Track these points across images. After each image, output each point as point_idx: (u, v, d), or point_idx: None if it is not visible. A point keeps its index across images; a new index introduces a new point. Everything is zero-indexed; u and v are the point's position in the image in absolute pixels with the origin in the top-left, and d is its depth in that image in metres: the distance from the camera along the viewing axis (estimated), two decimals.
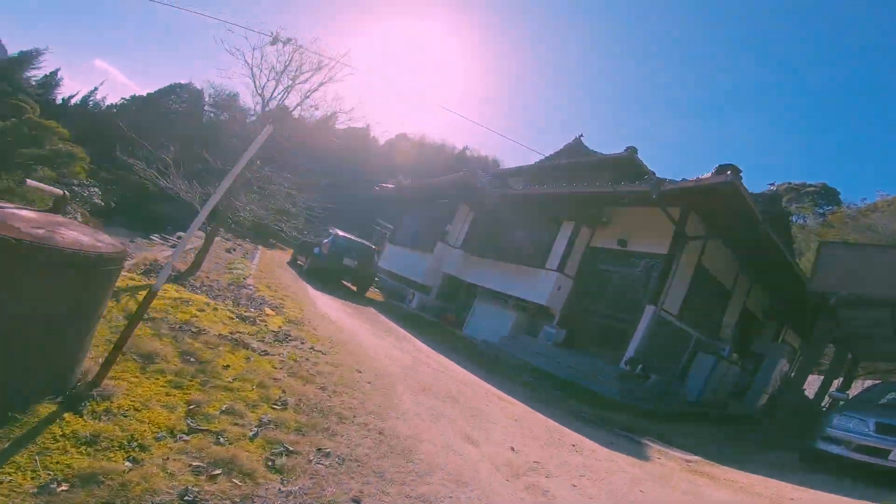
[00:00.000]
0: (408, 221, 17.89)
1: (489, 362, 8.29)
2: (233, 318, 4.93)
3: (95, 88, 46.62)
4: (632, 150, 12.67)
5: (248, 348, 4.04)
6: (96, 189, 15.35)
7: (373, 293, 14.77)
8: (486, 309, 11.53)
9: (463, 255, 13.73)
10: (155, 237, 14.26)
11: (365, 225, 24.60)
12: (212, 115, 51.09)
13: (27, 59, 31.85)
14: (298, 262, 13.88)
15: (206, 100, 51.92)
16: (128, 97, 49.33)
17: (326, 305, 8.38)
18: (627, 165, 12.38)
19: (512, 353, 9.24)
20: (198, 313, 4.62)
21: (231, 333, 4.30)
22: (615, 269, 10.27)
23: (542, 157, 16.38)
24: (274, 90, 7.42)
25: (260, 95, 7.40)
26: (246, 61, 7.19)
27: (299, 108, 7.65)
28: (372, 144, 55.66)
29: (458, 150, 26.22)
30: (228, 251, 12.30)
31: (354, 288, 13.00)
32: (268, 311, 5.86)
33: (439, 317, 12.68)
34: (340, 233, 13.19)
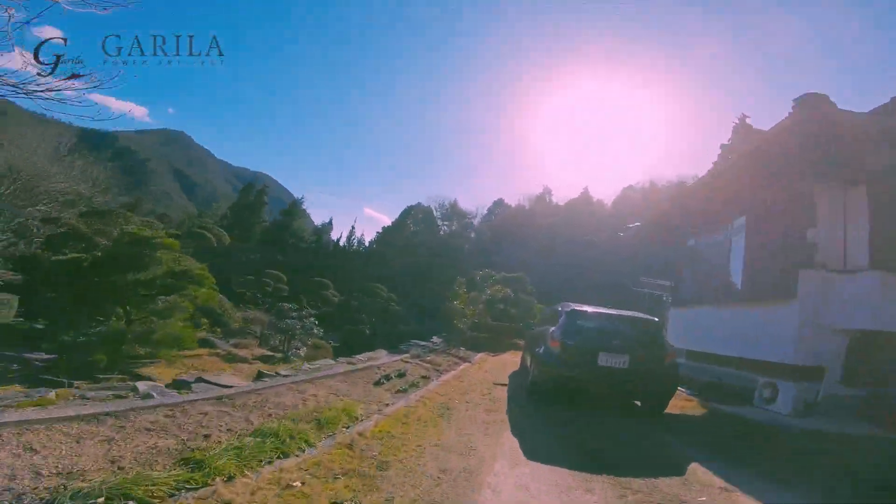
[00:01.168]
0: (698, 262, 10.58)
1: None
2: None
3: (353, 228, 58.62)
4: None
5: None
6: (314, 320, 15.93)
7: (683, 401, 7.81)
8: None
9: (888, 279, 5.82)
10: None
11: (617, 293, 17.95)
12: (445, 227, 56.94)
13: (297, 204, 42.27)
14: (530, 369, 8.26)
15: (436, 214, 58.44)
16: (380, 229, 59.60)
17: None
18: None
19: None
20: None
21: None
22: None
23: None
24: None
25: None
26: None
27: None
28: (597, 208, 49.98)
29: (736, 122, 16.09)
30: (377, 383, 6.71)
31: (639, 403, 6.69)
32: None
33: (876, 420, 4.96)
34: (579, 308, 7.20)
